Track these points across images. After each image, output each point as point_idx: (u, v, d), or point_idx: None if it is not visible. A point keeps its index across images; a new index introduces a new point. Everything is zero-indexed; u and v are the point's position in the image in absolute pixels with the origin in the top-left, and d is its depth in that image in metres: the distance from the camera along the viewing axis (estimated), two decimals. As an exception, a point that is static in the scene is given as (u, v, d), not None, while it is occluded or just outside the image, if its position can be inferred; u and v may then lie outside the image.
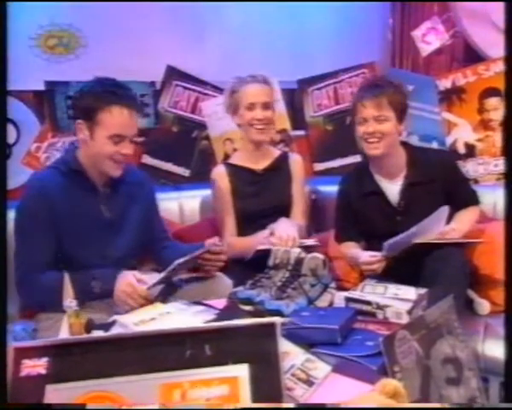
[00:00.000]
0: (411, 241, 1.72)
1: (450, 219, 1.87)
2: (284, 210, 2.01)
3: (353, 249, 1.93)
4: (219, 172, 2.05)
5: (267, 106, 1.96)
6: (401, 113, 1.86)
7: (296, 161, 2.11)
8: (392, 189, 1.91)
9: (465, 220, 1.91)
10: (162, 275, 1.46)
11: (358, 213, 1.95)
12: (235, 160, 2.09)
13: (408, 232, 1.71)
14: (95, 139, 1.51)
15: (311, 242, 1.79)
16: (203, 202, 2.28)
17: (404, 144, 1.96)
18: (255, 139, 1.99)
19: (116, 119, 1.49)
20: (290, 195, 2.05)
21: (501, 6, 2.31)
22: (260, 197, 2.00)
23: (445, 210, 1.78)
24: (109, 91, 1.50)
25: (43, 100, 2.37)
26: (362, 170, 2.00)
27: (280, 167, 2.07)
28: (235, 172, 2.04)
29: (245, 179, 2.02)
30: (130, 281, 1.43)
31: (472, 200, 1.98)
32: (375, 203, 1.91)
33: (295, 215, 2.04)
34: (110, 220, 1.58)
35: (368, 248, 1.89)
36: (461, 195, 1.95)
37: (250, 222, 1.96)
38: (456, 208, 1.91)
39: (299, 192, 2.08)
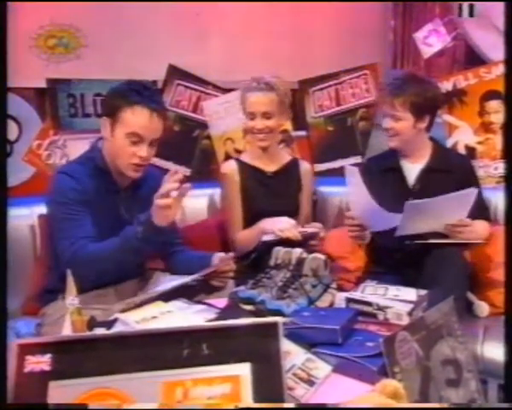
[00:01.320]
0: (431, 210, 1.74)
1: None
2: (290, 215, 2.02)
3: None
4: (231, 168, 2.05)
5: (268, 115, 1.94)
6: (420, 112, 1.91)
7: (307, 170, 2.13)
8: (412, 170, 1.98)
9: (480, 228, 1.92)
10: (173, 285, 1.45)
11: (375, 189, 1.98)
12: (246, 158, 2.09)
13: (432, 200, 1.73)
14: (114, 136, 1.52)
15: (312, 229, 1.82)
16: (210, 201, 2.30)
17: (432, 139, 2.02)
18: (257, 145, 2.01)
19: (136, 118, 1.50)
20: (298, 202, 2.08)
21: (502, 8, 2.33)
22: (268, 199, 2.01)
23: (473, 193, 1.76)
24: (135, 90, 1.51)
25: (45, 97, 2.37)
26: (390, 150, 2.06)
27: (290, 173, 2.09)
28: (246, 169, 2.04)
29: (255, 179, 2.03)
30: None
31: (483, 213, 1.98)
32: (392, 180, 1.98)
33: (300, 222, 2.05)
34: (128, 223, 1.56)
35: None
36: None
37: (255, 222, 1.97)
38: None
39: (306, 201, 2.11)
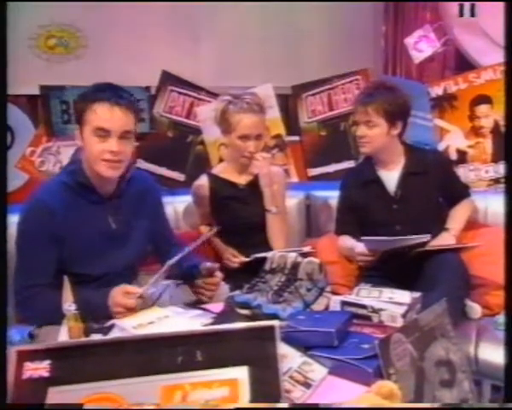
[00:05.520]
0: (393, 246, 1.80)
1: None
2: (264, 225, 2.03)
3: (350, 241, 2.00)
4: (201, 182, 2.07)
5: (260, 137, 1.95)
6: (393, 118, 1.95)
7: (278, 175, 2.12)
8: (390, 178, 2.01)
9: (461, 216, 2.01)
10: (154, 277, 1.43)
11: (357, 203, 2.03)
12: (219, 171, 2.11)
13: (390, 239, 1.80)
14: (84, 139, 1.50)
15: (306, 249, 1.82)
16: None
17: (404, 144, 2.06)
18: (242, 164, 2.02)
19: (98, 114, 1.46)
20: None
21: (491, 14, 2.37)
22: (242, 211, 2.01)
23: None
24: (95, 91, 1.49)
25: (38, 104, 2.37)
26: (364, 162, 2.11)
27: None
28: (218, 183, 2.06)
29: (227, 192, 2.04)
30: (124, 289, 1.40)
31: (465, 193, 2.09)
32: (373, 191, 2.01)
33: None
34: (117, 232, 1.55)
35: (364, 235, 1.94)
36: (454, 188, 2.07)
37: (231, 234, 1.99)
38: (449, 202, 2.03)
39: (280, 206, 2.09)
